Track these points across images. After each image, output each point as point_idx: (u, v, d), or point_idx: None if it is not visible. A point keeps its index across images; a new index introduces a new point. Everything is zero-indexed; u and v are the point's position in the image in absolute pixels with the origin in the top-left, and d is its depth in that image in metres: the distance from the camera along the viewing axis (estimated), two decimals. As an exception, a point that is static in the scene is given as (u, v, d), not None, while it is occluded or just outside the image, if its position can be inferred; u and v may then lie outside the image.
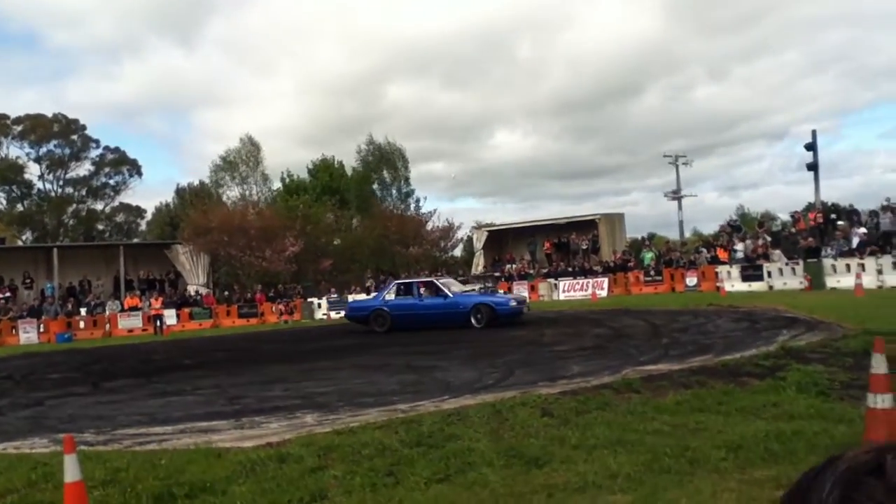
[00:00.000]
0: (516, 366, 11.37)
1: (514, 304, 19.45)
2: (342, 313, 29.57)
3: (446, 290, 20.03)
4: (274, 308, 29.93)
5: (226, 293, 33.22)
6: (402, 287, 21.40)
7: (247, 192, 47.41)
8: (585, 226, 33.70)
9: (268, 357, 16.67)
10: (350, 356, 15.14)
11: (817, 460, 4.99)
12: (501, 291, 24.91)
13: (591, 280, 28.74)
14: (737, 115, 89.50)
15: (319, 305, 30.45)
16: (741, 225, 32.25)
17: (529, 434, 6.31)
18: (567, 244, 33.92)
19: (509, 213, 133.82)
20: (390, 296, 21.10)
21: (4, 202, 57.49)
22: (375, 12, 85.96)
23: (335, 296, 30.94)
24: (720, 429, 6.05)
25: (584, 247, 32.99)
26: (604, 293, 27.66)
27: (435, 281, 21.22)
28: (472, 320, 18.90)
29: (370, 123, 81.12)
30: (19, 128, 55.96)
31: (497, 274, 31.80)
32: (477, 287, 24.10)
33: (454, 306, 19.43)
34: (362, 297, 29.40)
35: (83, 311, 29.50)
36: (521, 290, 27.58)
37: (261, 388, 11.19)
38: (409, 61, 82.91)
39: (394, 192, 50.71)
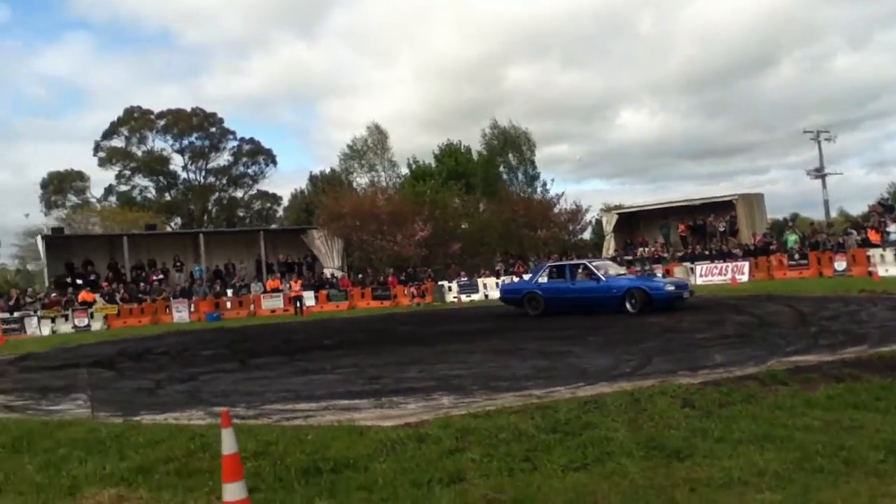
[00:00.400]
0: (654, 353, 11.12)
1: (670, 288, 18.44)
2: (472, 296, 29.95)
3: (599, 274, 19.34)
4: (406, 291, 30.58)
5: (360, 276, 34.19)
6: (555, 270, 21.07)
7: (375, 179, 48.53)
8: (722, 207, 32.39)
9: (402, 339, 17.05)
10: (482, 340, 15.26)
11: None
12: (660, 275, 23.84)
13: (730, 264, 27.61)
14: (883, 85, 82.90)
15: (450, 288, 30.82)
16: (894, 204, 30.03)
17: (670, 425, 6.13)
18: (703, 226, 32.71)
19: (638, 195, 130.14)
20: (543, 278, 20.81)
21: (153, 192, 61.46)
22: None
23: (465, 279, 31.24)
24: (878, 427, 5.66)
25: (722, 229, 31.74)
26: (744, 278, 26.53)
27: (588, 263, 20.51)
28: (627, 305, 18.20)
29: (492, 107, 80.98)
30: (162, 122, 59.68)
31: (630, 257, 31.04)
32: (623, 269, 22.85)
33: (607, 290, 18.77)
34: (492, 280, 29.62)
35: (229, 292, 31.14)
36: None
37: (397, 369, 11.48)
38: (527, 43, 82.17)
39: (520, 175, 50.53)
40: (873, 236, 25.73)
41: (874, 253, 24.29)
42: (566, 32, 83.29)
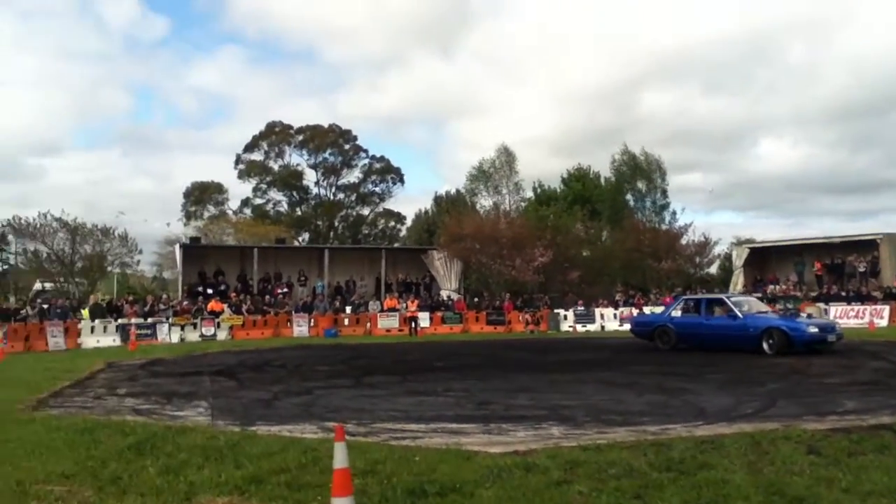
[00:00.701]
0: (779, 395, 10.59)
1: (813, 330, 17.18)
2: (588, 327, 29.44)
3: (736, 310, 18.36)
4: (521, 317, 30.36)
5: (475, 299, 34.22)
6: (690, 303, 20.43)
7: (499, 202, 48.55)
8: (863, 246, 30.51)
9: (514, 365, 16.93)
10: (596, 371, 15.01)
11: None
12: (805, 314, 22.53)
13: (868, 307, 25.97)
14: None
15: (565, 317, 30.42)
16: None
17: (792, 472, 5.81)
18: (841, 265, 30.92)
19: (772, 230, 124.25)
20: (677, 312, 20.19)
21: (286, 206, 63.93)
22: (633, 17, 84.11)
23: (582, 308, 30.76)
24: None
25: (862, 269, 29.88)
26: (884, 322, 24.89)
27: (725, 298, 19.69)
28: (764, 346, 17.14)
29: (623, 131, 79.41)
30: (300, 137, 62.06)
31: (759, 295, 29.65)
32: (766, 307, 21.04)
33: (743, 329, 17.78)
34: (609, 310, 28.98)
35: (348, 309, 31.87)
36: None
37: (507, 396, 11.41)
38: (667, 67, 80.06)
39: (648, 203, 49.45)
40: None
41: None
42: (709, 57, 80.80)
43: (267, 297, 32.28)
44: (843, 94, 75.98)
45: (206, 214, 60.94)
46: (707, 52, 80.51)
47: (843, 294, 28.21)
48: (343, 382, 13.95)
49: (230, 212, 62.10)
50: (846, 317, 25.93)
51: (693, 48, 79.91)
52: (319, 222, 62.79)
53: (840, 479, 5.51)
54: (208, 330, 27.79)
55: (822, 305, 27.02)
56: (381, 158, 63.88)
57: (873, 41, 77.03)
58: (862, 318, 25.51)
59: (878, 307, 25.79)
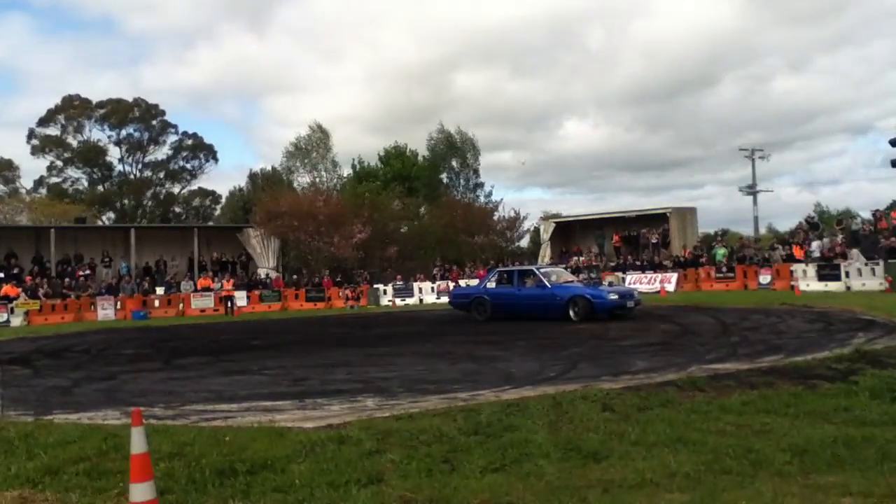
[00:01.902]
0: (579, 359, 11.29)
1: (613, 297, 18.20)
2: (407, 301, 29.92)
3: (545, 281, 19.19)
4: (341, 293, 30.37)
5: (294, 277, 33.79)
6: (503, 275, 20.98)
7: (317, 179, 47.97)
8: (656, 219, 33.08)
9: (333, 341, 16.91)
10: (413, 344, 15.30)
11: (890, 468, 4.81)
12: (607, 283, 23.63)
13: (659, 275, 28.24)
14: (818, 108, 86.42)
15: (385, 292, 30.74)
16: (819, 222, 31.18)
17: (589, 428, 6.24)
18: (636, 238, 33.39)
19: (578, 205, 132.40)
20: (492, 284, 20.74)
21: (86, 183, 59.50)
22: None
23: (401, 283, 31.21)
24: (786, 431, 5.87)
25: (654, 241, 32.41)
26: (672, 288, 27.16)
27: (535, 270, 20.48)
28: (571, 313, 18.05)
29: (439, 111, 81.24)
30: (101, 111, 57.76)
31: (565, 266, 31.42)
32: (573, 277, 22.37)
33: (551, 297, 18.59)
34: (427, 284, 29.53)
35: (159, 290, 30.40)
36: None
37: (324, 371, 11.39)
38: (478, 49, 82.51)
39: (462, 181, 50.82)
40: (797, 252, 26.66)
41: (797, 268, 25.11)
42: (516, 41, 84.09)
43: (67, 279, 30.07)
44: (638, 79, 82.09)
45: (-5, 194, 55.57)
46: (514, 35, 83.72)
47: (638, 263, 30.48)
48: (151, 365, 13.32)
49: (23, 191, 57.00)
50: (640, 283, 28.05)
51: (501, 31, 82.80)
52: (126, 201, 58.98)
53: (630, 433, 5.97)
54: (0, 316, 25.53)
55: (619, 274, 29.09)
56: (193, 135, 61.01)
57: (665, 31, 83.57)
58: (653, 284, 27.70)
59: (668, 275, 28.10)
